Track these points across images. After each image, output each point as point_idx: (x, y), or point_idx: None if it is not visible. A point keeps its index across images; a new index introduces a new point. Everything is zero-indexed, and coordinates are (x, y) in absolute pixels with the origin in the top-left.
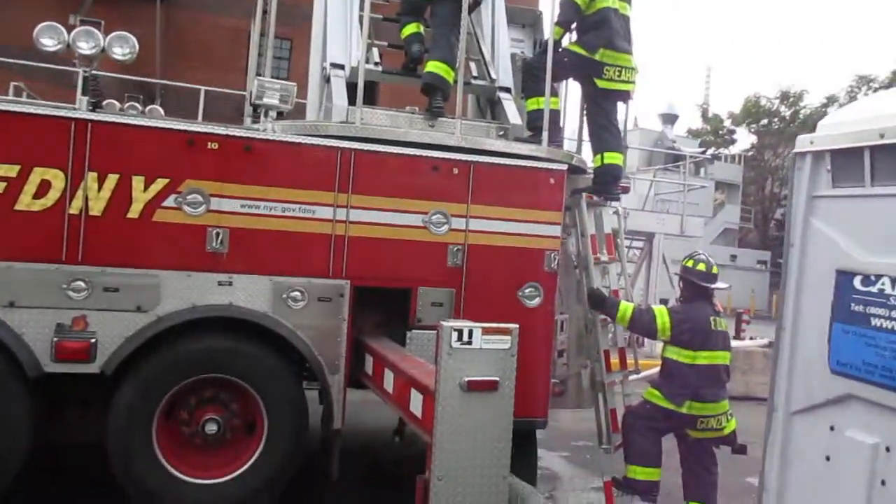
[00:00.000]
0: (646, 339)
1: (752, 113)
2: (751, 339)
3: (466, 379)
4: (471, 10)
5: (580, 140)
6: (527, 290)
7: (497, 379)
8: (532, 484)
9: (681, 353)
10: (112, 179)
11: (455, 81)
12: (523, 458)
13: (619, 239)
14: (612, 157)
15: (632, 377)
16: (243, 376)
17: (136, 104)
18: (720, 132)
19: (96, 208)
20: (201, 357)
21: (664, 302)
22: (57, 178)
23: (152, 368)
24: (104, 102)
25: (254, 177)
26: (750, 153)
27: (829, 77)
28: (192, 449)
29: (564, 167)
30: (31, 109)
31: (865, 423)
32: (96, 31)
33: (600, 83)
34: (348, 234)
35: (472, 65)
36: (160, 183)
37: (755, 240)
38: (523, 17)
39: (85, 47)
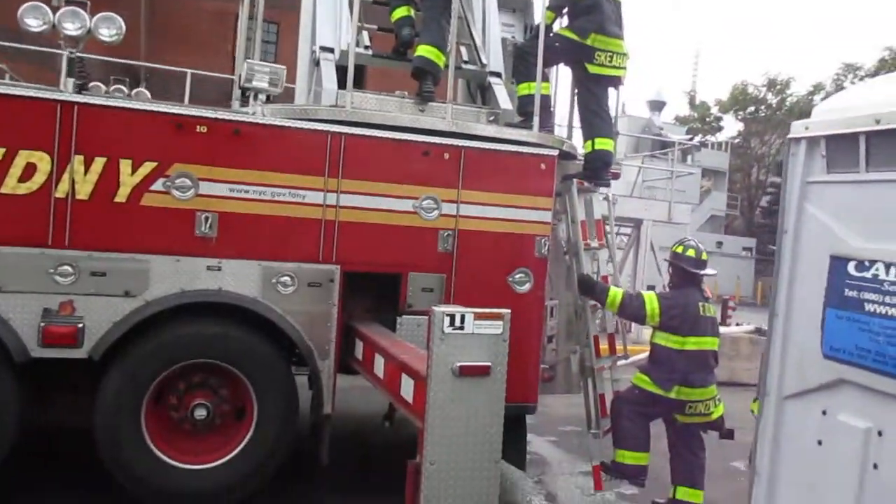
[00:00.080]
0: (632, 325)
1: (740, 100)
2: (737, 325)
3: (458, 364)
4: None
5: (571, 126)
6: (517, 276)
7: (489, 364)
8: (521, 468)
9: (669, 339)
10: (99, 163)
11: (446, 66)
12: (513, 443)
13: (609, 225)
14: (602, 143)
15: (620, 362)
16: (233, 361)
17: (123, 87)
18: (707, 119)
19: (83, 192)
20: (190, 342)
21: (651, 288)
22: (43, 162)
23: (141, 354)
24: (90, 85)
25: (243, 161)
26: (736, 140)
27: (816, 65)
28: (181, 434)
29: (555, 153)
30: (16, 91)
31: (858, 408)
32: (82, 11)
33: (591, 68)
34: (338, 219)
35: (463, 49)
36: (148, 166)
37: (741, 227)
38: (514, 2)
39: (71, 28)
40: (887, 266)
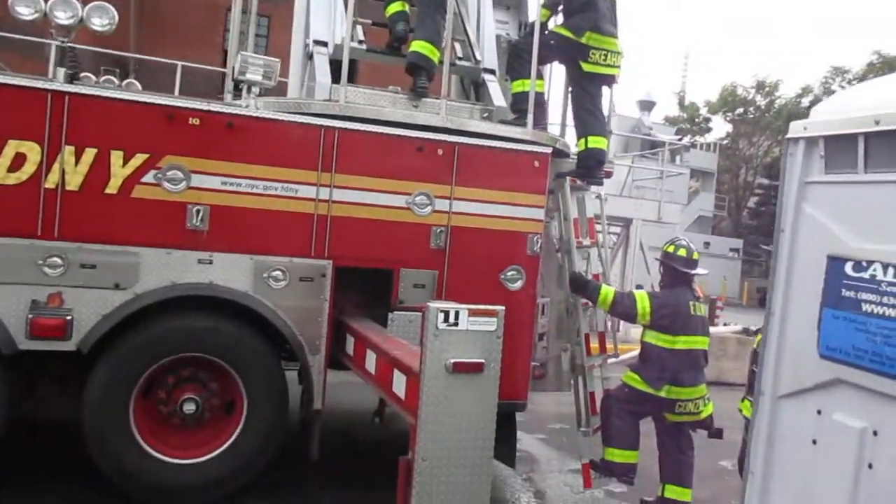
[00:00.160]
0: (620, 324)
1: (729, 102)
2: (724, 325)
3: (452, 360)
4: None
5: (564, 124)
6: (509, 273)
7: (483, 361)
8: (511, 466)
9: (660, 338)
10: (90, 153)
11: (440, 62)
12: (503, 441)
13: (602, 224)
14: (595, 142)
15: (610, 361)
16: (223, 356)
17: (113, 78)
18: (696, 120)
19: (73, 183)
20: (180, 336)
21: (639, 287)
22: (32, 152)
23: (130, 347)
24: (80, 75)
25: (235, 154)
26: (725, 142)
27: (805, 68)
28: (170, 428)
29: (549, 150)
30: (6, 80)
31: (853, 408)
32: (75, 0)
33: (586, 67)
34: (331, 213)
35: (457, 45)
36: (139, 158)
37: (728, 227)
38: None
39: (62, 17)
40: (885, 266)
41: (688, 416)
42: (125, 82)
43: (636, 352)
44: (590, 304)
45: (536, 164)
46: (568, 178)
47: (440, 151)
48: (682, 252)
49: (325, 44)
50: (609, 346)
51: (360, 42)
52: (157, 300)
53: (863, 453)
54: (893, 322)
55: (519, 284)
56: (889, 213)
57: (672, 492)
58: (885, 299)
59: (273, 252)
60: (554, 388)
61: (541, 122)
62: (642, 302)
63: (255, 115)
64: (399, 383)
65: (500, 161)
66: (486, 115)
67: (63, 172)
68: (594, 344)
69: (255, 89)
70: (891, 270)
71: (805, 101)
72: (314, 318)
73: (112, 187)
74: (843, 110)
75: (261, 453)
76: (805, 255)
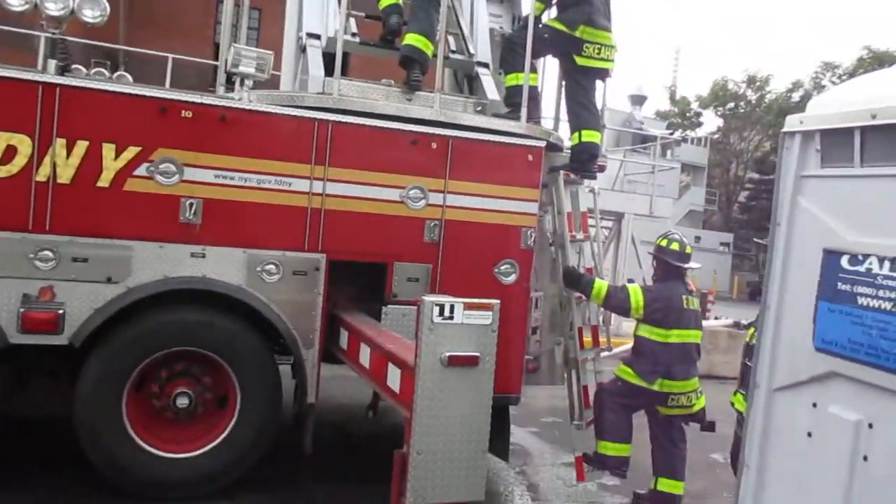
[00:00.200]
0: (612, 318)
1: (720, 96)
2: (715, 318)
3: (447, 354)
4: None
5: (557, 117)
6: (503, 267)
7: (478, 354)
8: (504, 459)
9: (653, 332)
10: (81, 146)
11: (434, 55)
12: (496, 434)
13: (595, 218)
14: (589, 136)
15: (603, 354)
16: (216, 350)
17: (104, 70)
18: (687, 114)
19: (65, 176)
20: (173, 330)
21: (630, 281)
22: (23, 144)
23: (122, 341)
24: (72, 67)
25: (228, 147)
26: (716, 136)
27: (796, 63)
28: (163, 423)
29: (543, 144)
30: None
31: (849, 400)
32: None
33: (580, 60)
34: (324, 207)
35: (451, 39)
36: (132, 151)
37: (719, 222)
38: None
39: (53, 8)
40: (881, 260)
41: (680, 409)
42: (116, 75)
43: (628, 345)
44: (583, 297)
45: (530, 157)
46: (561, 171)
47: (434, 145)
48: (674, 246)
49: (318, 37)
50: (602, 339)
51: (354, 35)
52: (149, 294)
53: (858, 446)
54: (889, 315)
55: (513, 278)
56: (885, 207)
57: (664, 485)
58: (880, 293)
59: (266, 246)
60: (547, 382)
61: (534, 115)
62: (636, 296)
63: (248, 108)
64: (394, 377)
65: (494, 155)
66: (479, 108)
67: (54, 165)
68: (587, 338)
69: (249, 82)
70: (887, 264)
71: (795, 96)
72: (308, 312)
73: (104, 180)
74: (839, 104)
75: (254, 447)
76: (801, 249)
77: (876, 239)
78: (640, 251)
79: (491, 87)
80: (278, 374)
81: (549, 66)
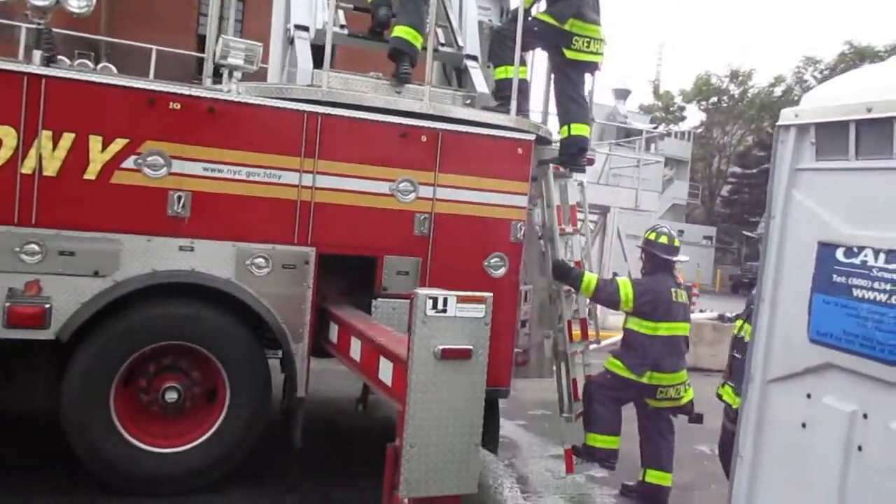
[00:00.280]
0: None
1: (703, 91)
2: (700, 311)
3: (440, 347)
4: None
5: (546, 111)
6: (492, 261)
7: (471, 347)
8: (493, 452)
9: (642, 325)
10: (68, 139)
11: (423, 47)
12: (486, 427)
13: (584, 211)
14: (578, 129)
15: (592, 346)
16: (205, 344)
17: (87, 61)
18: (671, 109)
19: (51, 168)
20: (161, 324)
21: (615, 275)
22: (8, 136)
23: (110, 335)
24: (57, 58)
25: (217, 139)
26: (699, 130)
27: (778, 58)
28: (152, 417)
29: (532, 137)
30: None
31: (843, 391)
32: None
33: (569, 53)
34: (314, 200)
35: (439, 31)
36: (119, 143)
37: (702, 215)
38: None
39: None
40: (876, 252)
41: (669, 401)
42: (100, 66)
43: (615, 338)
44: (572, 291)
45: (520, 151)
46: (551, 165)
47: (424, 138)
48: (663, 239)
49: (306, 28)
50: (591, 332)
51: (342, 27)
52: (137, 288)
53: (852, 436)
54: (884, 307)
55: (502, 271)
56: (880, 200)
57: (653, 476)
58: (876, 284)
59: (256, 239)
60: (536, 375)
61: (524, 109)
62: (625, 289)
63: (237, 100)
64: (386, 370)
65: (484, 148)
66: (468, 101)
67: (40, 158)
68: (576, 331)
69: (237, 74)
70: (882, 256)
71: (777, 91)
72: (297, 306)
73: (91, 173)
74: (834, 98)
75: (243, 442)
76: (795, 242)
77: (871, 231)
78: (625, 244)
79: (480, 81)
80: (268, 369)
81: (538, 60)
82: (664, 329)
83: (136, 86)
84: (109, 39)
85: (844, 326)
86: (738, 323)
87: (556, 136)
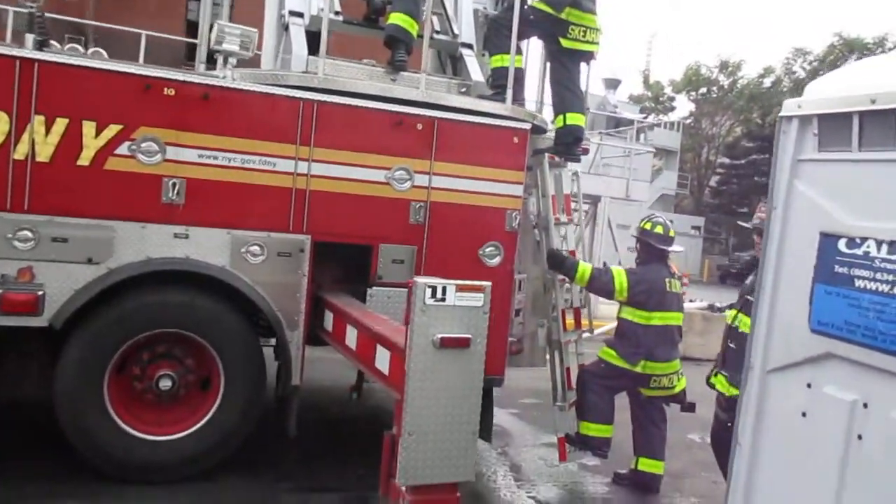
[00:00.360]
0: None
1: (693, 81)
2: (689, 301)
3: (439, 336)
4: None
5: (541, 100)
6: (487, 249)
7: (469, 336)
8: (487, 441)
9: (636, 314)
10: (61, 124)
11: (419, 35)
12: (480, 416)
13: (578, 200)
14: (574, 118)
15: (585, 335)
16: (199, 331)
17: (78, 46)
18: (661, 99)
19: (44, 154)
20: (155, 311)
21: (605, 265)
22: (0, 121)
23: (104, 323)
24: (49, 42)
25: (212, 126)
26: (688, 121)
27: (767, 49)
28: (146, 405)
29: (528, 126)
30: None
31: (844, 381)
32: None
33: (565, 43)
34: (309, 188)
35: (435, 19)
36: (113, 129)
37: (690, 206)
38: None
39: None
40: (878, 243)
41: (662, 390)
42: (90, 51)
43: (608, 327)
44: (566, 280)
45: (516, 139)
46: (546, 154)
47: (419, 126)
48: (658, 229)
49: (301, 15)
50: (584, 322)
51: (337, 13)
52: (131, 275)
53: (853, 425)
54: (886, 297)
55: (497, 260)
56: (883, 191)
57: (645, 464)
58: (878, 275)
59: (251, 226)
60: (530, 364)
61: (519, 97)
62: (620, 278)
63: (232, 86)
64: (383, 359)
65: (480, 136)
66: (463, 90)
67: (33, 143)
68: (570, 320)
69: (232, 60)
70: (884, 247)
71: (767, 82)
72: (292, 294)
73: (84, 159)
74: (837, 89)
75: (237, 430)
76: (797, 232)
77: (873, 222)
78: (616, 234)
79: (475, 69)
80: (262, 357)
81: (533, 49)
82: (658, 319)
83: (130, 71)
84: (98, 24)
85: (846, 316)
86: (732, 313)
87: (550, 126)
